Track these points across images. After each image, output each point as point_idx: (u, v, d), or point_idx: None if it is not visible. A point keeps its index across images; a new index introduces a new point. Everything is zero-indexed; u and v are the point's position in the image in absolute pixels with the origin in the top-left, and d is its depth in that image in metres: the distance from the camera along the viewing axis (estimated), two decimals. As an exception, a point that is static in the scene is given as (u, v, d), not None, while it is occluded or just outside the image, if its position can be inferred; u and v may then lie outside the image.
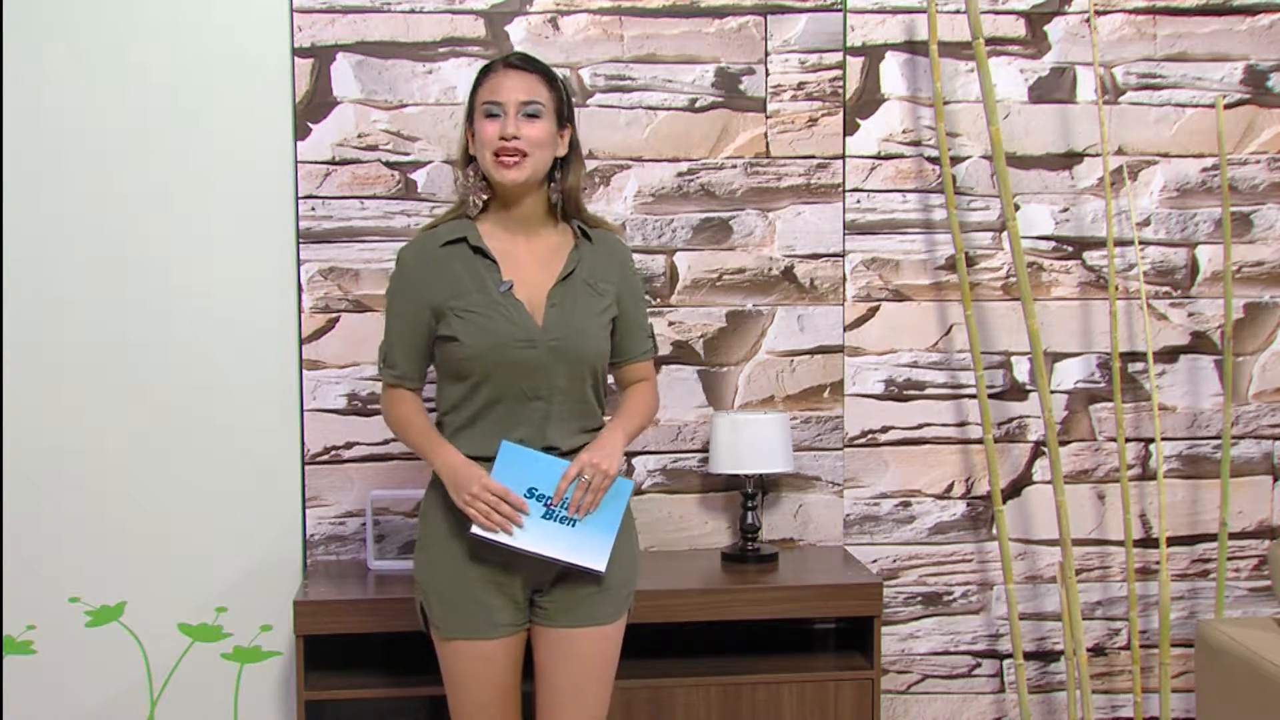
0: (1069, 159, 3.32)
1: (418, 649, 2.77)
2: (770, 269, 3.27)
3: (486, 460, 2.35)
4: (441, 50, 3.16)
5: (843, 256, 3.29)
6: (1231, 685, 2.97)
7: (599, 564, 2.36)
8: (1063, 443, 3.35)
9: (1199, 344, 3.38)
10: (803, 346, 3.29)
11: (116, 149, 3.09)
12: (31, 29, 3.05)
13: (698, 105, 3.23)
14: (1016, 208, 3.29)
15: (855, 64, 3.26)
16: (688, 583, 3.01)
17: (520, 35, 3.17)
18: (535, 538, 2.34)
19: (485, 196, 2.43)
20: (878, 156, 3.28)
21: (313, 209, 3.15)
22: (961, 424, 3.34)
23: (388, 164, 3.16)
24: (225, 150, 3.12)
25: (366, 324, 3.15)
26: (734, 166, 3.24)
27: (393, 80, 3.15)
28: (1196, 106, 3.34)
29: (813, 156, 3.26)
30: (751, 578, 3.05)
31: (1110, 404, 3.35)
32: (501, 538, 2.33)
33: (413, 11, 3.14)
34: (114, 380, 3.12)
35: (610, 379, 2.56)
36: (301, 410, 3.18)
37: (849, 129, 3.27)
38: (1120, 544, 3.38)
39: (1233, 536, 3.41)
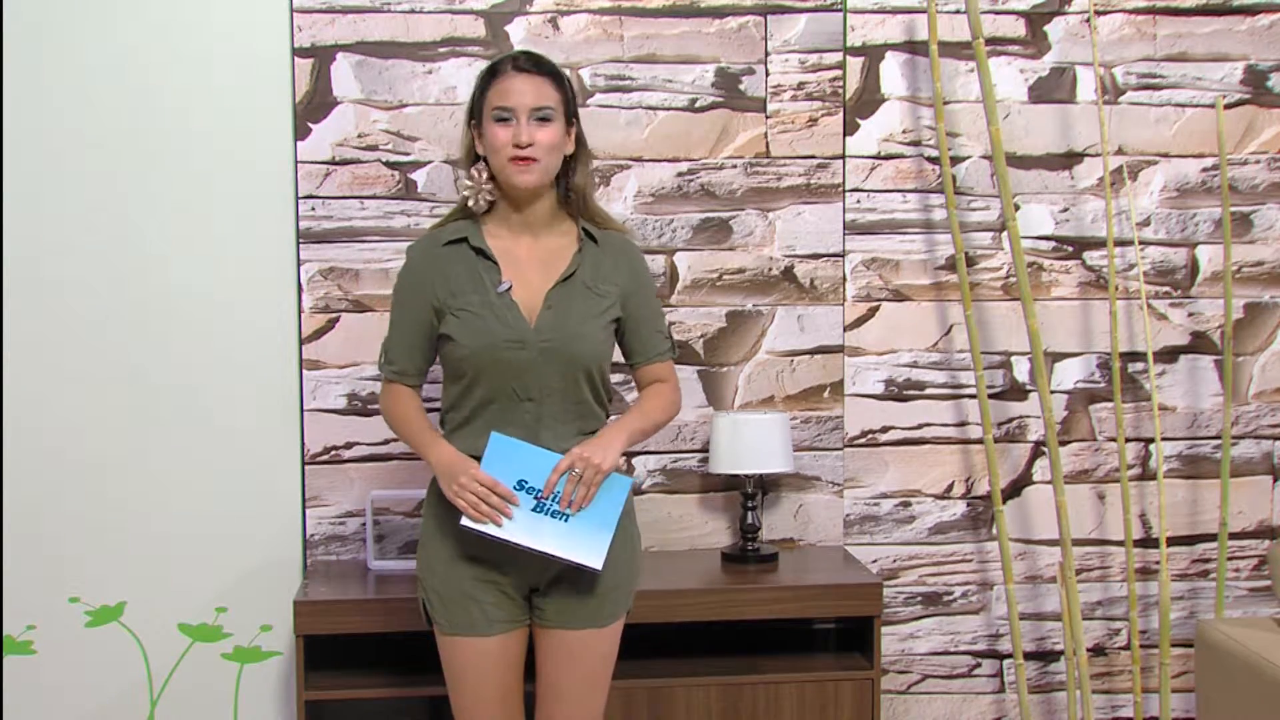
0: (1069, 159, 3.32)
1: (417, 649, 2.77)
2: (770, 269, 3.27)
3: (480, 459, 2.36)
4: (441, 50, 3.16)
5: (843, 256, 3.29)
6: (1231, 685, 2.97)
7: (594, 561, 2.33)
8: (1063, 443, 3.35)
9: (1199, 344, 3.38)
10: (803, 346, 3.29)
11: (116, 149, 3.09)
12: (32, 29, 3.05)
13: (698, 105, 3.23)
14: (1016, 208, 3.29)
15: (855, 64, 3.26)
16: (688, 583, 3.01)
17: (520, 35, 3.17)
18: (524, 531, 2.32)
19: (492, 198, 2.44)
20: (878, 156, 3.28)
21: (313, 209, 3.15)
22: (961, 424, 3.34)
23: (388, 164, 3.16)
24: (225, 150, 3.12)
25: (366, 324, 3.15)
26: (734, 166, 3.24)
27: (393, 80, 3.15)
28: (1196, 106, 3.34)
29: (813, 156, 3.26)
30: (751, 578, 3.05)
31: (1110, 404, 3.35)
32: (490, 529, 2.31)
33: (413, 11, 3.15)
34: (114, 380, 3.12)
35: (632, 381, 2.57)
36: (301, 410, 3.18)
37: (849, 129, 3.27)
38: (1120, 544, 3.38)
39: (1233, 536, 3.41)
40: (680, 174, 3.23)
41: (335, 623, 2.88)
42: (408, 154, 3.16)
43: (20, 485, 3.12)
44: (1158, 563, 3.36)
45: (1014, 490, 3.37)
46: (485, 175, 2.43)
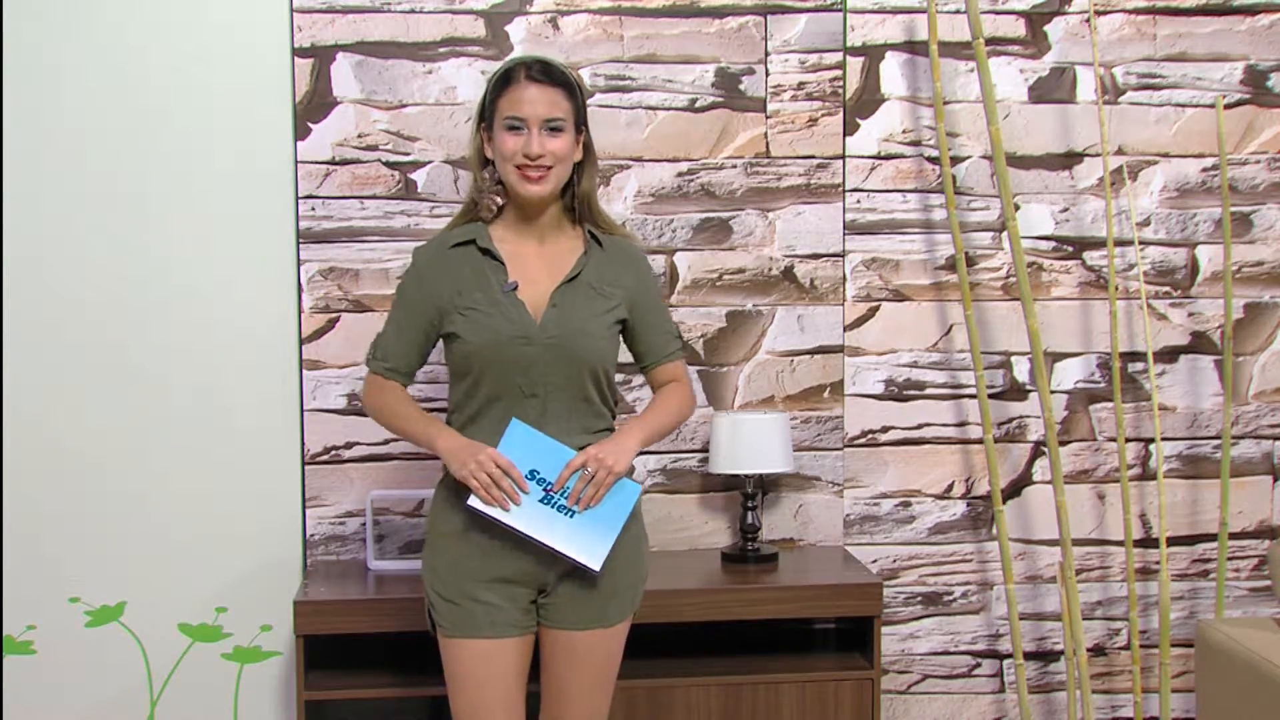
0: (1069, 159, 3.32)
1: (418, 649, 2.77)
2: (770, 269, 3.27)
3: None
4: (441, 50, 3.16)
5: (843, 256, 3.29)
6: (1231, 685, 2.97)
7: (593, 562, 2.33)
8: (1063, 443, 3.35)
9: (1199, 344, 3.38)
10: (803, 346, 3.29)
11: (116, 149, 3.09)
12: (32, 29, 3.05)
13: (698, 105, 3.23)
14: (1016, 208, 3.29)
15: (855, 64, 3.26)
16: (688, 583, 3.01)
17: (520, 35, 3.17)
18: (529, 520, 2.32)
19: (501, 202, 2.45)
20: (878, 156, 3.28)
21: (313, 209, 3.15)
22: (961, 424, 3.34)
23: (388, 164, 3.16)
24: (225, 150, 3.12)
25: (366, 324, 3.15)
26: (734, 166, 3.24)
27: (393, 80, 3.15)
28: (1196, 106, 3.34)
29: (813, 156, 3.26)
30: (751, 578, 3.05)
31: (1110, 404, 3.35)
32: (496, 513, 2.32)
33: (413, 11, 3.15)
34: (114, 380, 3.12)
35: (644, 381, 2.59)
36: (301, 410, 3.18)
37: (849, 129, 3.27)
38: (1120, 544, 3.38)
39: (1233, 536, 3.41)
40: (680, 174, 3.23)
41: (335, 623, 2.88)
42: (408, 154, 3.17)
43: (20, 485, 3.12)
44: (1158, 563, 3.36)
45: (1014, 490, 3.37)
46: (493, 179, 2.44)
